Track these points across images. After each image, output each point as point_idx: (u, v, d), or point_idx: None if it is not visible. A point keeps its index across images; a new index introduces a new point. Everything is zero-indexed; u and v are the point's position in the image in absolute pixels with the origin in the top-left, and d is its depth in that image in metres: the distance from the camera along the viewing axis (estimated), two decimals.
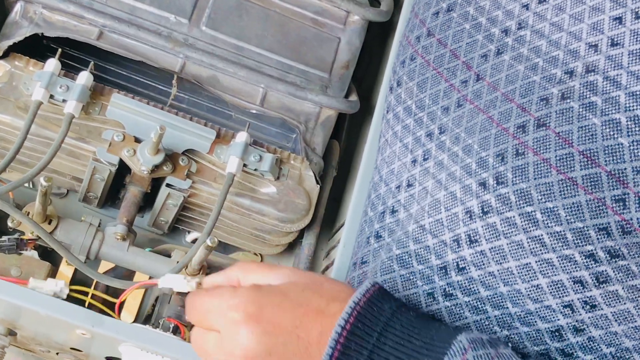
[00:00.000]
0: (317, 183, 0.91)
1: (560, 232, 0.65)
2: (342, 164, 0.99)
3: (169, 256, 0.89)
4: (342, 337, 0.65)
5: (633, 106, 0.63)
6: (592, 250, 0.64)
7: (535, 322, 0.68)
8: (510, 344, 0.68)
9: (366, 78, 1.01)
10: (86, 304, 0.85)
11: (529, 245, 0.67)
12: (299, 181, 0.90)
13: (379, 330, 0.66)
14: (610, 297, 0.65)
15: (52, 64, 0.83)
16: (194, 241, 0.96)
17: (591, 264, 0.64)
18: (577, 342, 0.67)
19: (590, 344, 0.67)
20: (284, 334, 0.68)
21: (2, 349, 0.83)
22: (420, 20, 0.85)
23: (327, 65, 0.93)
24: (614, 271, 0.64)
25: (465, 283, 0.71)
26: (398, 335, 0.66)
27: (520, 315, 0.68)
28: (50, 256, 0.86)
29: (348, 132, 1.01)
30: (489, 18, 0.77)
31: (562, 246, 0.65)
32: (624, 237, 0.63)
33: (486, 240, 0.69)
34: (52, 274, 0.86)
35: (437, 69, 0.80)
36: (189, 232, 0.97)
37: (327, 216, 0.97)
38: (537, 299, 0.67)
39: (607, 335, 0.66)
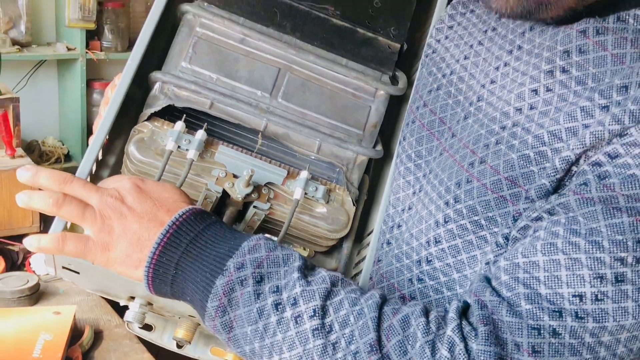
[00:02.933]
0: (354, 205, 0.95)
1: (497, 232, 0.68)
2: (369, 189, 1.02)
3: None
4: (161, 243, 0.68)
5: (537, 145, 0.66)
6: (507, 233, 0.67)
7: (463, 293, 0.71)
8: None
9: (387, 131, 1.04)
10: None
11: (477, 243, 0.69)
12: (341, 204, 0.94)
13: (189, 239, 0.68)
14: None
15: (180, 125, 0.88)
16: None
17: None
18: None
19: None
20: (136, 217, 0.70)
21: (143, 314, 0.88)
22: (419, 95, 0.88)
23: (361, 125, 0.96)
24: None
25: (431, 271, 0.74)
26: (205, 241, 0.68)
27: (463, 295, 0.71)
28: None
29: (374, 167, 1.03)
30: (464, 96, 0.80)
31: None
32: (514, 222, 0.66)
33: (446, 240, 0.72)
34: None
35: (430, 130, 0.83)
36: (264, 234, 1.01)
37: (359, 226, 0.99)
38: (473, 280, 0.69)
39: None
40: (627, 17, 0.66)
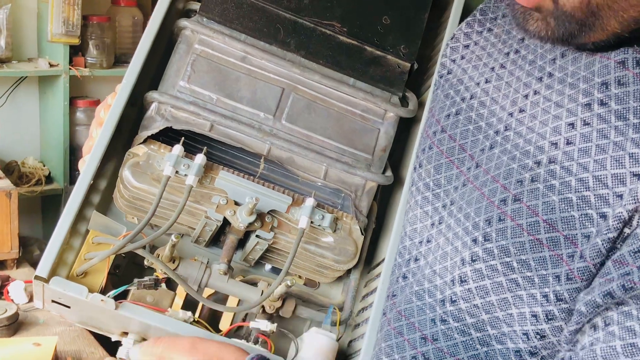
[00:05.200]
0: (362, 234, 0.92)
1: (530, 276, 0.65)
2: (377, 217, 0.99)
3: (256, 284, 0.91)
4: None
5: (580, 189, 0.64)
6: (547, 292, 0.64)
7: (506, 342, 0.68)
8: None
9: (396, 154, 1.01)
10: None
11: (507, 285, 0.67)
12: (349, 233, 0.91)
13: None
14: (554, 331, 0.65)
15: (178, 149, 0.85)
16: (271, 269, 0.98)
17: (544, 303, 0.65)
18: (537, 345, 0.66)
19: (545, 353, 0.66)
20: None
21: None
22: (437, 120, 0.85)
23: (370, 149, 0.94)
24: (558, 311, 0.64)
25: (455, 312, 0.71)
26: None
27: (497, 336, 0.69)
28: (171, 284, 0.87)
29: (382, 193, 1.00)
30: (486, 122, 0.77)
31: (531, 286, 0.65)
32: (567, 283, 0.63)
33: (473, 280, 0.69)
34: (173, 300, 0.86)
35: (450, 157, 0.80)
36: (266, 264, 0.97)
37: (367, 255, 0.96)
38: (510, 324, 0.67)
39: (553, 354, 0.66)
40: None
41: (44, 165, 2.99)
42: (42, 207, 2.90)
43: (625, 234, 0.60)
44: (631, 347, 0.55)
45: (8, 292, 1.74)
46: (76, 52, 2.90)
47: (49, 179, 2.94)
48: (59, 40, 2.82)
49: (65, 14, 2.80)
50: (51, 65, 2.85)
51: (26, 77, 2.97)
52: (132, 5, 3.01)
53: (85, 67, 2.91)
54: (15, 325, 1.63)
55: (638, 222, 0.59)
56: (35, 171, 2.92)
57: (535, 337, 0.66)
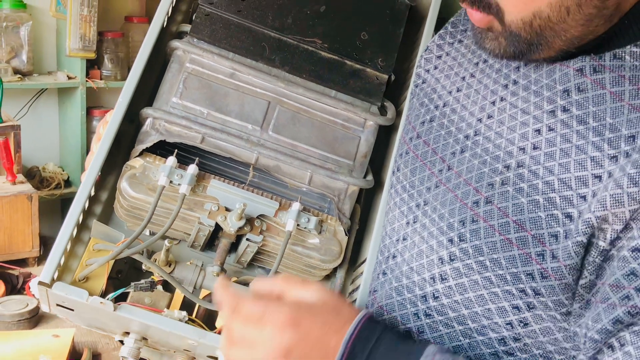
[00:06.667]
0: (346, 235, 0.91)
1: (502, 274, 0.64)
2: (361, 218, 0.97)
3: (247, 285, 0.88)
4: (346, 352, 0.65)
5: (547, 191, 0.63)
6: (523, 287, 0.63)
7: (488, 333, 0.67)
8: (468, 352, 0.68)
9: (377, 160, 1.00)
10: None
11: (482, 283, 0.66)
12: (334, 234, 0.90)
13: (372, 343, 0.65)
14: (537, 319, 0.64)
15: (171, 160, 0.84)
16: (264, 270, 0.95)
17: (523, 297, 0.64)
18: (516, 346, 0.66)
19: (525, 348, 0.66)
20: (312, 341, 0.66)
21: (139, 349, 0.83)
22: (412, 126, 0.83)
23: (352, 155, 0.92)
24: (537, 302, 0.63)
25: (439, 307, 0.70)
26: (385, 347, 0.65)
27: (477, 328, 0.68)
28: (168, 286, 0.86)
29: (365, 196, 0.99)
30: (456, 127, 0.76)
31: (504, 284, 0.64)
32: (543, 280, 0.62)
33: (452, 278, 0.68)
34: (171, 301, 0.86)
35: (423, 161, 0.78)
36: (259, 266, 0.96)
37: (352, 254, 0.95)
38: (489, 317, 0.66)
39: (536, 343, 0.66)
40: (623, 54, 0.63)
41: (63, 170, 2.98)
42: (61, 209, 2.88)
43: (609, 253, 0.59)
44: None
45: (29, 288, 1.73)
46: (92, 65, 2.88)
47: (67, 183, 2.93)
48: (76, 55, 2.80)
49: (82, 30, 2.78)
50: (69, 78, 2.84)
51: (46, 89, 2.96)
52: (144, 22, 2.99)
53: (101, 79, 2.89)
54: (36, 318, 1.62)
55: (616, 236, 0.59)
56: (55, 176, 2.90)
57: (519, 325, 0.65)
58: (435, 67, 0.85)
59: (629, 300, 0.57)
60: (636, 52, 0.62)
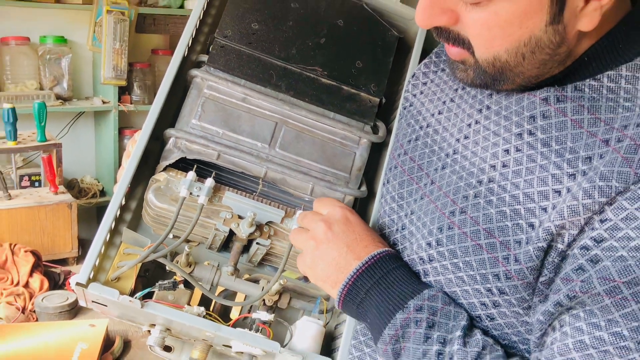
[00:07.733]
0: None
1: (473, 275, 0.64)
2: None
3: (258, 282, 0.88)
4: (357, 272, 0.70)
5: (513, 203, 0.62)
6: (490, 287, 0.63)
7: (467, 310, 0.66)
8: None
9: (369, 173, 0.98)
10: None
11: (455, 282, 0.66)
12: None
13: (381, 274, 0.69)
14: (502, 315, 0.64)
15: (191, 175, 0.83)
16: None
17: (490, 295, 0.63)
18: (488, 325, 0.66)
19: (492, 338, 0.65)
20: (339, 245, 0.72)
21: (163, 338, 0.82)
22: (400, 144, 0.83)
23: (348, 169, 0.91)
24: (502, 301, 0.63)
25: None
26: (394, 278, 0.69)
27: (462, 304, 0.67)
28: (189, 284, 0.84)
29: (360, 204, 0.96)
30: (439, 146, 0.75)
31: (474, 283, 0.64)
32: (507, 281, 0.62)
33: (432, 275, 0.68)
34: (191, 297, 0.83)
35: (410, 175, 0.78)
36: (268, 265, 0.94)
37: None
38: (462, 304, 0.66)
39: (502, 334, 0.65)
40: (583, 86, 0.63)
41: (99, 182, 2.97)
42: (97, 215, 2.88)
43: (566, 253, 0.59)
44: (580, 344, 0.54)
45: (69, 284, 1.72)
46: (123, 91, 2.89)
47: (102, 192, 2.92)
48: (109, 83, 2.81)
49: (115, 61, 2.78)
50: (104, 102, 2.84)
51: (84, 112, 2.96)
52: (168, 54, 3.00)
53: (131, 103, 2.90)
54: (75, 310, 1.62)
55: (572, 239, 0.58)
56: (91, 187, 2.89)
57: (487, 319, 0.65)
58: (421, 92, 0.85)
59: (573, 288, 0.57)
60: (594, 85, 0.62)
